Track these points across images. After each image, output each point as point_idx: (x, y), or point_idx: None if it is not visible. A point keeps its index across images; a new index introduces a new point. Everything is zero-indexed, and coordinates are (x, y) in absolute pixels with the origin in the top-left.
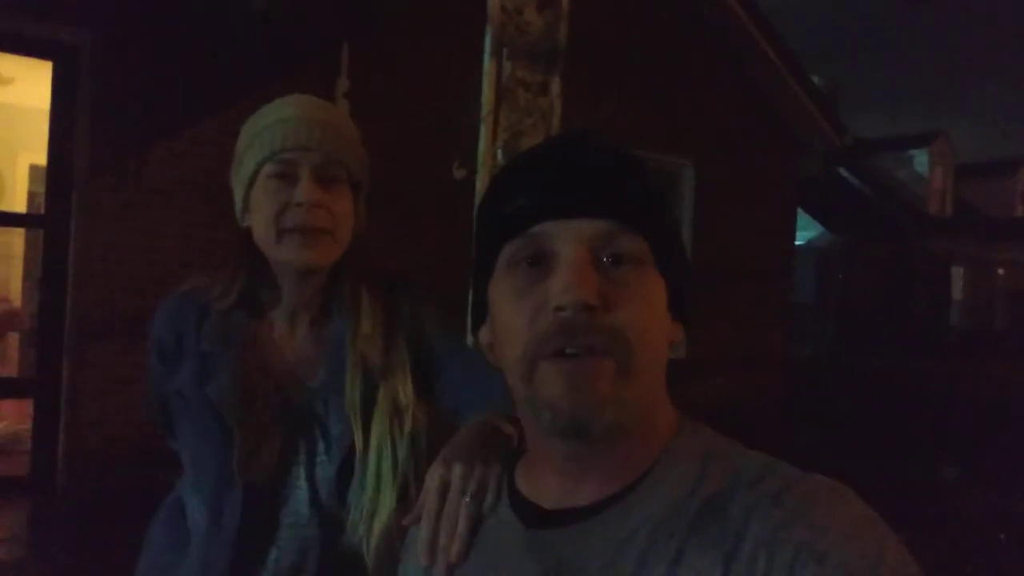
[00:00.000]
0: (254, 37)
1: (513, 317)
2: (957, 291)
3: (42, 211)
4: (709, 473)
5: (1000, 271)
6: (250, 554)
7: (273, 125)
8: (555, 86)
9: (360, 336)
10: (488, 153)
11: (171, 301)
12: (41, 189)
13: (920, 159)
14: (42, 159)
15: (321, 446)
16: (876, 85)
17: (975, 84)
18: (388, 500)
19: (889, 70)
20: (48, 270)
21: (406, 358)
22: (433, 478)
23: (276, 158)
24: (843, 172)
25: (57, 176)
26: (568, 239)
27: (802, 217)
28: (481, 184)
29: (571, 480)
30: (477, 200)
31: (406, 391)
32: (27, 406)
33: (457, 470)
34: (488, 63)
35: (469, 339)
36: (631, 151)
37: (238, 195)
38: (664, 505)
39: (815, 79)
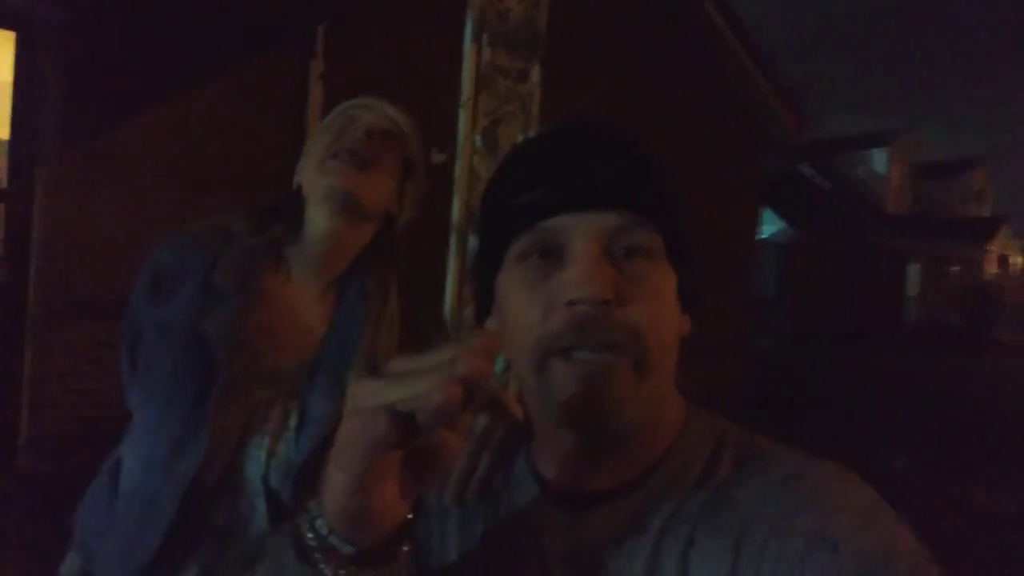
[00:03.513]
0: (227, 17)
1: (524, 310)
2: (913, 287)
3: (3, 186)
4: (720, 460)
5: (954, 268)
6: (192, 512)
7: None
8: (535, 74)
9: (385, 321)
10: (468, 139)
11: (184, 230)
12: (4, 163)
13: (879, 158)
14: (5, 133)
15: (293, 420)
16: (853, 83)
17: (947, 84)
18: None
19: (865, 69)
20: (10, 247)
21: None
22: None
23: (354, 112)
24: (805, 169)
25: (19, 151)
26: (581, 233)
27: (764, 212)
28: (461, 170)
29: (585, 466)
30: (456, 186)
31: None
32: None
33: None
34: (468, 49)
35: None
36: (640, 138)
37: (308, 147)
38: (678, 491)
39: (788, 77)
